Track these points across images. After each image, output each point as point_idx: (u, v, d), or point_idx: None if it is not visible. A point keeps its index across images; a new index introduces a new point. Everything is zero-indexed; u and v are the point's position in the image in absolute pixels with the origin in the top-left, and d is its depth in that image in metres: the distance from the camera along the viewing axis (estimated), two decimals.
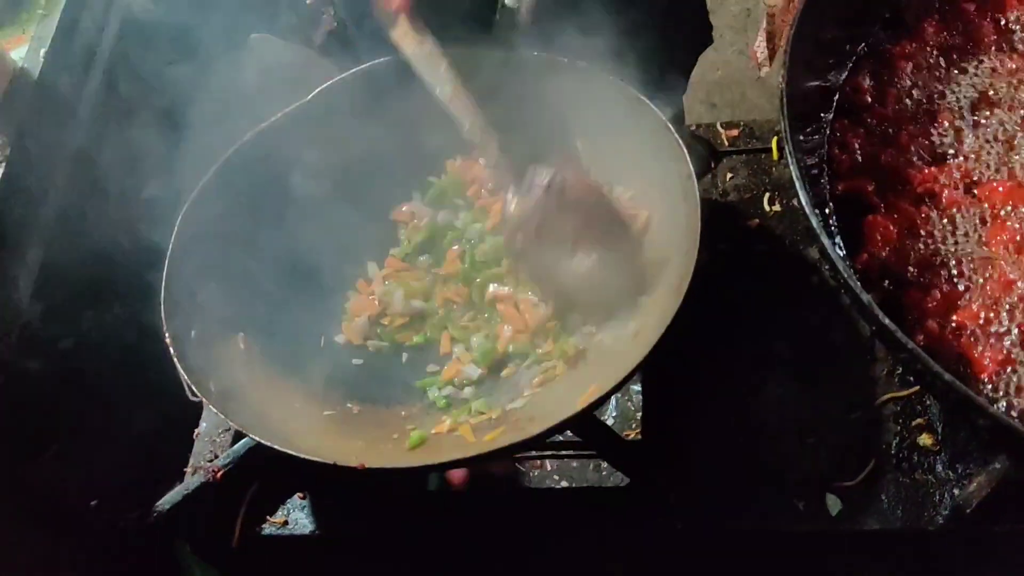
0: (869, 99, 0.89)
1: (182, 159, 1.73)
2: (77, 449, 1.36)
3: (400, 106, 1.02)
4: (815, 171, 0.86)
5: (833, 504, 0.85)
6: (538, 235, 0.95)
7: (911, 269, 0.79)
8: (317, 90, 1.06)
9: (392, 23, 0.96)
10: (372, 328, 1.03)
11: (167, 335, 0.90)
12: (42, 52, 1.34)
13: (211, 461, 0.95)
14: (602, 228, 0.96)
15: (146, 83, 1.68)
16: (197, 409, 1.09)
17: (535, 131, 1.05)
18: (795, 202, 0.88)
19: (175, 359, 0.87)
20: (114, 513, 1.37)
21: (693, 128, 1.11)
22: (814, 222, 0.72)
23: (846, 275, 0.69)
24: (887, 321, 0.66)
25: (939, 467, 0.85)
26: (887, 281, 0.79)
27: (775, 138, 1.08)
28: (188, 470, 0.96)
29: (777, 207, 1.03)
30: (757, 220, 1.03)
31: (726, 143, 1.10)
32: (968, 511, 0.78)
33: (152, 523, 0.90)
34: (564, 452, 1.22)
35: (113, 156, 1.50)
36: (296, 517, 0.93)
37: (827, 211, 0.83)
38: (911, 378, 0.87)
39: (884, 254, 0.79)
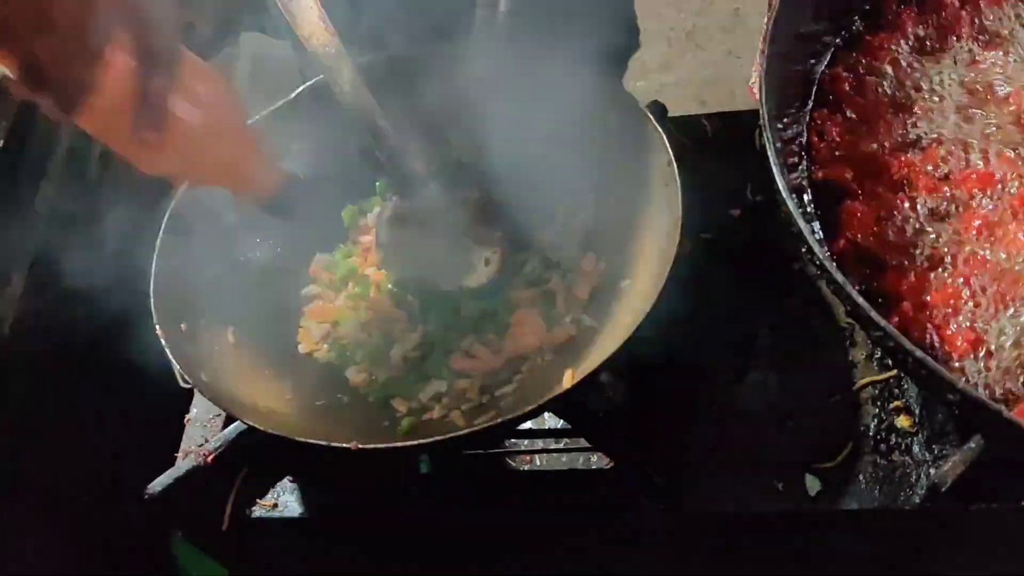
0: (847, 88, 0.91)
1: None
2: (69, 439, 1.37)
3: (388, 103, 1.03)
4: (794, 159, 0.88)
5: (812, 484, 0.87)
6: (423, 230, 1.01)
7: (887, 253, 0.81)
8: (305, 85, 1.08)
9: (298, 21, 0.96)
10: (327, 337, 1.03)
11: (157, 327, 0.91)
12: None
13: (202, 445, 0.97)
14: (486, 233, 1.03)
15: None
16: (188, 397, 1.11)
17: (509, 125, 1.07)
18: (776, 193, 0.89)
19: (166, 350, 0.88)
20: (107, 500, 1.38)
21: (676, 118, 1.13)
22: (790, 205, 0.74)
23: (821, 257, 0.71)
24: (861, 300, 0.68)
25: (916, 448, 0.87)
26: (864, 266, 0.81)
27: (757, 129, 1.09)
28: (179, 455, 0.98)
29: (760, 197, 1.05)
30: (739, 210, 1.05)
31: (709, 134, 1.12)
32: (943, 490, 0.79)
33: (144, 506, 0.90)
34: (553, 447, 1.25)
35: (104, 150, 1.51)
36: (286, 500, 0.94)
37: (805, 198, 0.85)
38: (887, 360, 0.89)
39: (861, 239, 0.81)
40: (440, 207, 1.02)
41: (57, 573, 1.32)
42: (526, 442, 1.26)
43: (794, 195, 0.76)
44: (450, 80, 1.07)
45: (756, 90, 1.08)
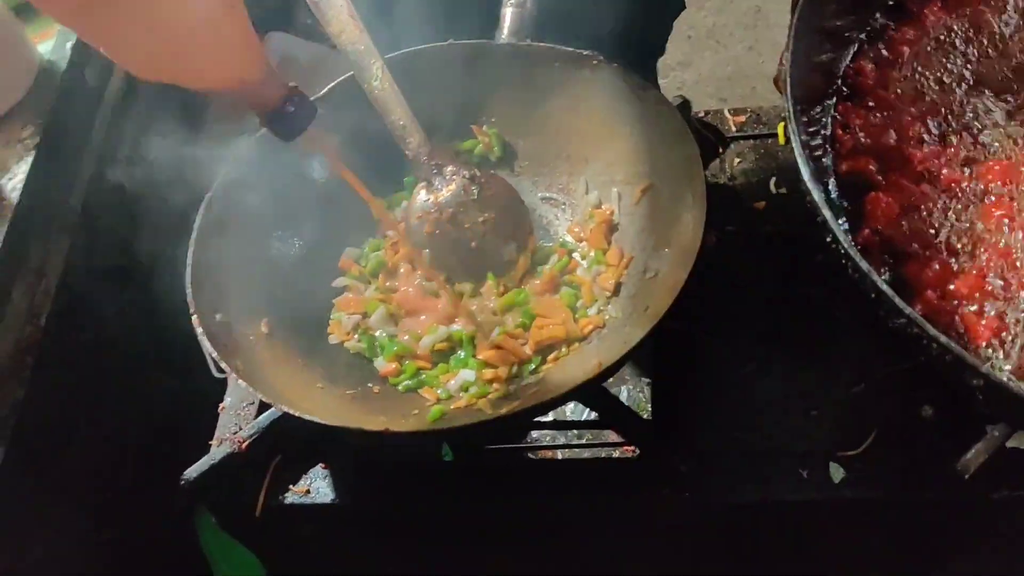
0: (871, 82, 0.92)
1: (202, 150, 1.77)
2: (103, 428, 1.40)
3: (416, 98, 1.05)
4: (819, 152, 0.90)
5: (836, 473, 0.88)
6: (450, 223, 1.02)
7: (911, 243, 0.82)
8: (333, 83, 1.10)
9: (328, 18, 0.97)
10: (356, 327, 1.05)
11: (194, 317, 0.93)
12: (68, 45, 1.38)
13: (235, 433, 0.99)
14: (511, 227, 1.04)
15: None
16: (221, 388, 1.13)
17: (539, 120, 1.09)
18: (800, 184, 0.91)
19: (202, 340, 0.90)
20: (139, 488, 1.41)
21: (701, 115, 1.14)
22: (815, 195, 0.75)
23: (845, 245, 0.72)
24: (885, 287, 0.69)
25: (939, 437, 0.88)
26: (888, 255, 0.82)
27: (781, 123, 1.11)
28: (214, 442, 1.00)
29: (784, 190, 1.06)
30: (764, 202, 1.06)
31: (733, 129, 1.13)
32: (966, 478, 0.80)
33: (174, 493, 0.93)
34: (576, 443, 1.26)
35: (135, 147, 1.54)
36: (318, 486, 0.96)
37: (830, 189, 0.86)
38: (911, 348, 0.90)
39: (885, 229, 0.82)
40: (467, 201, 1.04)
41: (89, 559, 1.35)
42: (549, 437, 1.27)
43: (819, 186, 0.77)
44: (478, 75, 1.09)
45: (780, 83, 1.10)
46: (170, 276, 1.47)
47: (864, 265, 0.71)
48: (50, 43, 1.40)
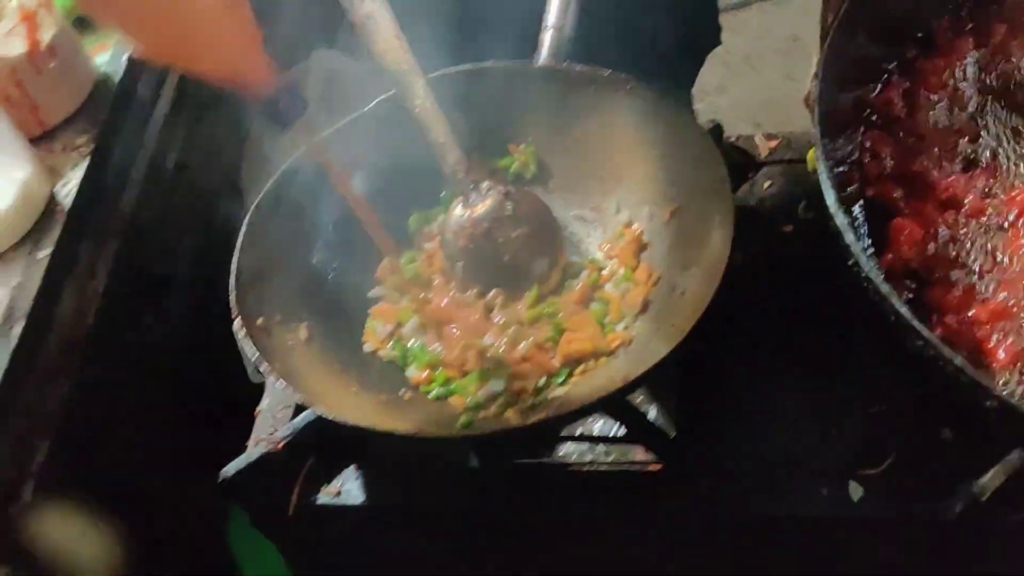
0: (900, 112, 0.95)
1: (248, 163, 1.83)
2: (144, 428, 1.44)
3: (456, 117, 1.09)
4: (846, 178, 0.92)
5: (855, 491, 0.90)
6: (484, 238, 1.05)
7: (933, 269, 0.84)
8: (376, 100, 1.14)
9: (374, 38, 1.02)
10: (391, 336, 1.08)
11: (236, 321, 0.97)
12: (123, 59, 1.44)
13: (272, 434, 1.02)
14: (544, 242, 1.08)
15: (215, 92, 1.78)
16: (257, 392, 1.17)
17: (574, 140, 1.13)
18: (826, 209, 0.93)
19: (244, 343, 0.94)
20: (175, 487, 1.45)
21: (733, 139, 1.17)
22: (838, 219, 0.78)
23: (867, 268, 0.74)
24: (903, 309, 0.71)
25: (957, 459, 0.89)
26: (910, 280, 0.84)
27: (811, 149, 1.13)
28: (250, 443, 1.03)
29: (812, 214, 1.09)
30: (791, 226, 1.09)
31: (764, 153, 1.16)
32: (984, 500, 0.82)
33: (216, 490, 0.96)
34: (603, 460, 1.28)
35: (184, 158, 1.60)
36: (349, 488, 0.99)
37: (855, 214, 0.88)
38: (929, 369, 0.92)
39: (908, 255, 0.85)
40: (502, 216, 1.07)
41: (123, 553, 1.38)
42: (576, 455, 1.29)
43: (844, 211, 0.79)
44: (516, 96, 1.12)
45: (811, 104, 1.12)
46: (212, 281, 1.51)
47: (885, 287, 0.73)
48: (106, 55, 1.45)
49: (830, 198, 0.79)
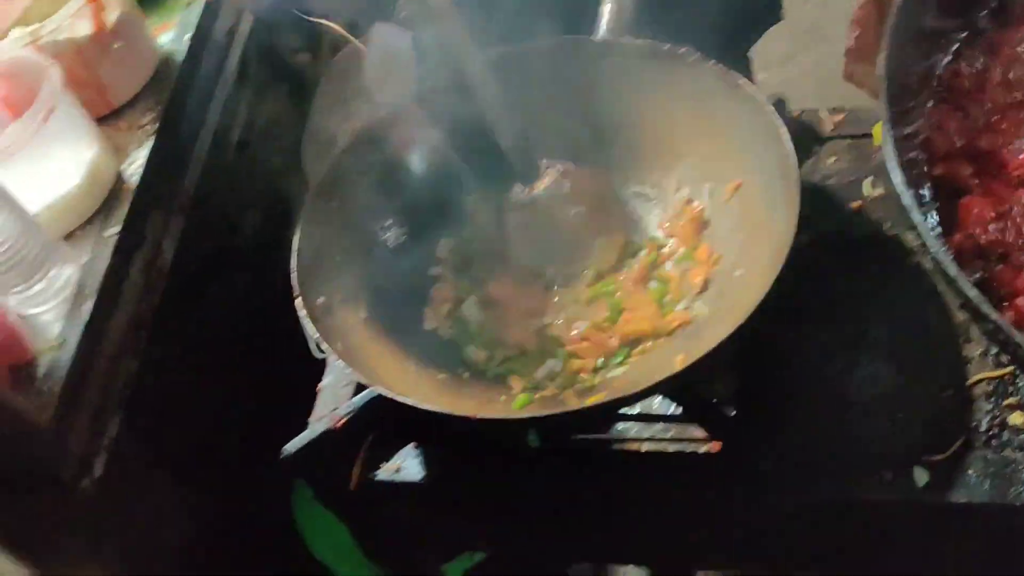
0: (968, 85, 0.91)
1: (308, 142, 1.84)
2: (209, 404, 1.47)
3: (514, 95, 1.08)
4: (913, 154, 0.89)
5: (920, 476, 0.88)
6: (543, 216, 1.05)
7: (1004, 249, 0.81)
8: (438, 75, 1.13)
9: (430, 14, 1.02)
10: (449, 315, 1.09)
11: (298, 300, 0.98)
12: (186, 37, 1.45)
13: (333, 411, 1.04)
14: (603, 221, 1.07)
15: (276, 69, 1.80)
16: (319, 368, 1.18)
17: (633, 115, 1.11)
18: (894, 188, 0.91)
19: (306, 322, 0.95)
20: (242, 461, 1.48)
21: (797, 113, 1.14)
22: (907, 199, 0.75)
23: (936, 249, 0.72)
24: (973, 293, 0.69)
25: None
26: (980, 260, 0.82)
27: (877, 124, 1.10)
28: (312, 420, 1.05)
29: (879, 191, 1.06)
30: (858, 203, 1.06)
31: (829, 128, 1.13)
32: None
33: (278, 465, 0.98)
34: (660, 436, 1.27)
35: (245, 136, 1.61)
36: (409, 465, 1.00)
37: (923, 192, 0.86)
38: (1002, 356, 0.89)
39: (978, 234, 0.82)
40: (560, 194, 1.07)
41: (190, 527, 1.42)
42: (634, 430, 1.29)
43: (911, 189, 0.77)
44: (574, 71, 1.11)
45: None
46: (274, 259, 1.53)
47: (953, 270, 0.71)
48: (169, 34, 1.47)
49: (897, 177, 0.76)
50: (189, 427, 1.47)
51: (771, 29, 1.78)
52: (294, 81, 1.82)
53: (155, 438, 1.34)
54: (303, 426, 1.10)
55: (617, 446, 1.02)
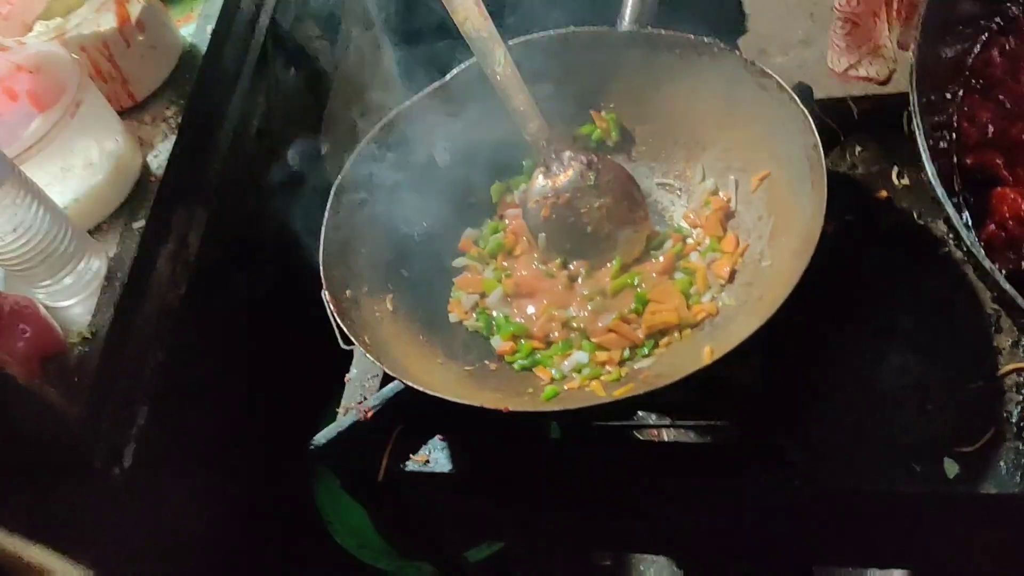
0: (1001, 74, 0.91)
1: (328, 131, 1.84)
2: (234, 393, 1.49)
3: (537, 84, 1.07)
4: (944, 144, 0.89)
5: (950, 468, 0.88)
6: (567, 208, 1.05)
7: None
8: (459, 68, 1.13)
9: (454, 5, 1.01)
10: (475, 306, 1.09)
11: (326, 293, 0.98)
12: (208, 29, 1.46)
13: (361, 403, 1.04)
14: (627, 212, 1.06)
15: (295, 58, 1.80)
16: (344, 358, 1.19)
17: (657, 106, 1.11)
18: (923, 176, 0.90)
19: (335, 316, 0.96)
20: (267, 448, 1.49)
21: (822, 101, 1.13)
22: (939, 191, 0.75)
23: (969, 241, 0.72)
24: (1007, 286, 0.69)
25: None
26: (1012, 252, 0.81)
27: (905, 112, 1.09)
28: (340, 411, 1.06)
29: (906, 180, 1.05)
30: (885, 192, 1.05)
31: (855, 116, 1.12)
32: None
33: (306, 452, 0.99)
34: (681, 423, 1.27)
35: (264, 125, 1.62)
36: (436, 456, 1.01)
37: (954, 183, 0.85)
38: None
39: (1011, 225, 0.81)
40: (584, 186, 1.07)
41: (216, 512, 1.44)
42: (655, 416, 1.29)
43: (943, 180, 0.77)
44: (598, 62, 1.11)
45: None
46: (296, 249, 1.54)
47: (988, 263, 0.70)
48: (191, 27, 1.48)
49: (930, 168, 0.76)
50: (213, 416, 1.48)
51: (793, 9, 1.75)
52: (313, 69, 1.83)
53: (181, 427, 1.36)
54: (325, 415, 1.10)
55: (640, 435, 1.03)
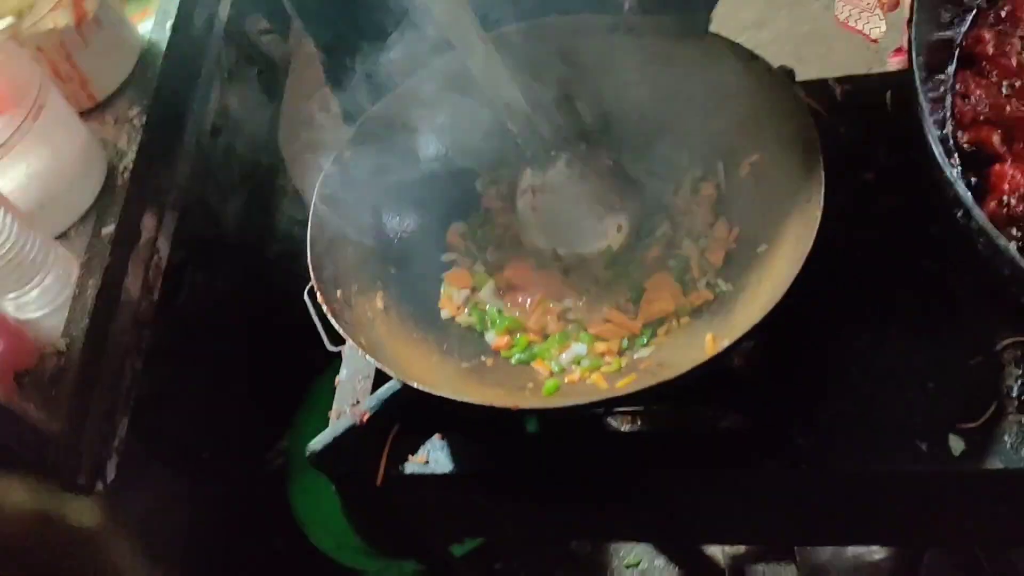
0: (991, 50, 0.91)
1: (284, 125, 1.80)
2: (209, 396, 1.45)
3: (520, 75, 1.05)
4: (938, 123, 0.89)
5: (956, 445, 0.88)
6: (555, 198, 1.04)
7: None
8: (439, 59, 1.10)
9: None
10: (467, 301, 1.07)
11: (318, 296, 0.95)
12: (168, 25, 1.41)
13: (354, 406, 1.02)
14: (616, 201, 1.05)
15: (250, 54, 1.76)
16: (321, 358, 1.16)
17: (642, 92, 1.09)
18: (910, 155, 0.90)
19: (331, 317, 0.92)
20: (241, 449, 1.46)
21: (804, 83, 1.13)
22: (947, 171, 0.75)
23: (981, 220, 0.72)
24: (1022, 262, 0.69)
25: None
26: (1014, 228, 0.82)
27: (888, 92, 1.09)
28: (332, 415, 1.03)
29: (893, 160, 1.05)
30: (873, 174, 1.05)
31: (838, 97, 1.12)
32: None
33: (309, 461, 0.96)
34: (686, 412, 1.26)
35: (219, 122, 1.58)
36: (436, 456, 0.99)
37: (953, 161, 0.85)
38: None
39: (1013, 201, 0.82)
40: (572, 176, 1.05)
41: (191, 512, 1.40)
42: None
43: (948, 161, 0.77)
44: (581, 50, 1.09)
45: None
46: (264, 249, 1.50)
47: (1002, 241, 0.70)
48: (149, 22, 1.42)
49: (937, 149, 0.76)
50: (190, 422, 1.45)
51: None
52: (267, 64, 1.78)
53: (159, 436, 1.32)
54: (299, 415, 1.07)
55: (644, 425, 1.02)
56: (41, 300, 1.12)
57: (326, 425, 1.01)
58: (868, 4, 1.08)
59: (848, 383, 0.94)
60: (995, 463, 0.87)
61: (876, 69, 2.37)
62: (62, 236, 1.20)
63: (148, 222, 1.27)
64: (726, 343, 0.84)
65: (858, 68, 2.36)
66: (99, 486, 1.07)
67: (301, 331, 1.02)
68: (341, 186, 1.04)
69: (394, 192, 1.08)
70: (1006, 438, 0.88)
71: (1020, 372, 0.91)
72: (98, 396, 1.10)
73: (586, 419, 1.11)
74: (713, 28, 1.07)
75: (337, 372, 1.08)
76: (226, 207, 1.63)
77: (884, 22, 1.07)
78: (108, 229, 1.20)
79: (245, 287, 1.60)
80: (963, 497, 0.91)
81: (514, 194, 1.08)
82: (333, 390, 1.06)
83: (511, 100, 1.04)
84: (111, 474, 1.10)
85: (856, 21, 1.05)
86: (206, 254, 1.52)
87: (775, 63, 1.03)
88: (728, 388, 0.97)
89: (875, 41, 1.04)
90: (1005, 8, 0.92)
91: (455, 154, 1.10)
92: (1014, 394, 0.90)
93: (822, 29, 2.49)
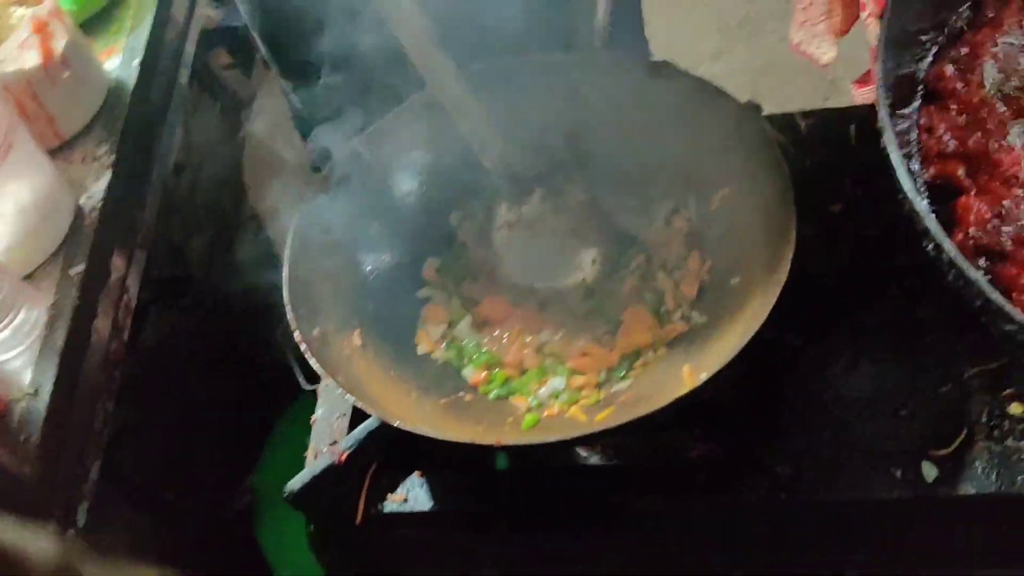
0: (953, 86, 0.93)
1: (249, 159, 1.80)
2: (179, 435, 1.43)
3: (493, 110, 1.06)
4: (904, 157, 0.91)
5: (929, 472, 0.90)
6: (529, 232, 1.05)
7: (1006, 247, 0.83)
8: (416, 94, 1.11)
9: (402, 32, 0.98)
10: (443, 337, 1.07)
11: (296, 334, 0.95)
12: (135, 62, 1.40)
13: (332, 445, 1.01)
14: (590, 234, 1.07)
15: (216, 84, 1.75)
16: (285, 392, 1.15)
17: (614, 127, 1.11)
18: (876, 188, 0.92)
19: (308, 355, 0.92)
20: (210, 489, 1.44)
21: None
22: (917, 205, 0.77)
23: (951, 253, 0.74)
24: (995, 295, 0.71)
25: None
26: (982, 259, 0.84)
27: (851, 125, 1.12)
28: (309, 454, 1.02)
29: (859, 192, 1.08)
30: (840, 205, 1.08)
31: (803, 131, 1.15)
32: None
33: (287, 502, 0.95)
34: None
35: (182, 159, 1.57)
36: (416, 494, 0.98)
37: (919, 195, 0.87)
38: (1015, 351, 0.91)
39: (979, 234, 0.84)
40: (547, 210, 1.06)
41: (165, 563, 1.38)
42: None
43: (919, 195, 0.78)
44: (554, 86, 1.11)
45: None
46: (224, 280, 1.49)
47: (972, 273, 0.72)
48: (116, 59, 1.42)
49: (907, 183, 0.78)
50: (159, 462, 1.43)
51: (701, 25, 1.78)
52: (230, 99, 1.78)
53: (130, 477, 1.31)
54: (265, 453, 1.06)
55: (609, 456, 1.02)
56: (9, 343, 1.10)
57: (294, 462, 1.01)
58: (819, 30, 1.10)
59: (822, 410, 0.95)
60: (968, 489, 0.89)
61: (832, 98, 2.43)
62: (29, 277, 1.18)
63: (117, 261, 1.26)
64: (704, 375, 0.85)
65: (815, 98, 2.42)
66: (70, 531, 1.05)
67: (268, 367, 1.02)
68: (316, 223, 1.04)
69: (369, 228, 1.08)
70: (977, 464, 0.90)
71: (988, 399, 0.93)
72: (70, 439, 1.08)
73: (556, 452, 1.12)
74: (672, 59, 1.09)
75: (305, 408, 1.08)
76: (191, 243, 1.62)
77: (835, 48, 1.09)
78: (77, 269, 1.18)
79: (209, 324, 1.59)
80: (937, 523, 0.93)
81: (489, 228, 1.08)
82: (301, 426, 1.06)
83: (485, 136, 1.05)
84: (82, 518, 1.08)
85: (808, 46, 1.07)
86: (172, 292, 1.51)
87: (735, 94, 1.05)
88: (701, 417, 0.98)
89: (825, 66, 1.06)
90: (964, 48, 0.95)
91: (430, 189, 1.11)
92: (983, 420, 0.92)
93: (778, 61, 2.55)
